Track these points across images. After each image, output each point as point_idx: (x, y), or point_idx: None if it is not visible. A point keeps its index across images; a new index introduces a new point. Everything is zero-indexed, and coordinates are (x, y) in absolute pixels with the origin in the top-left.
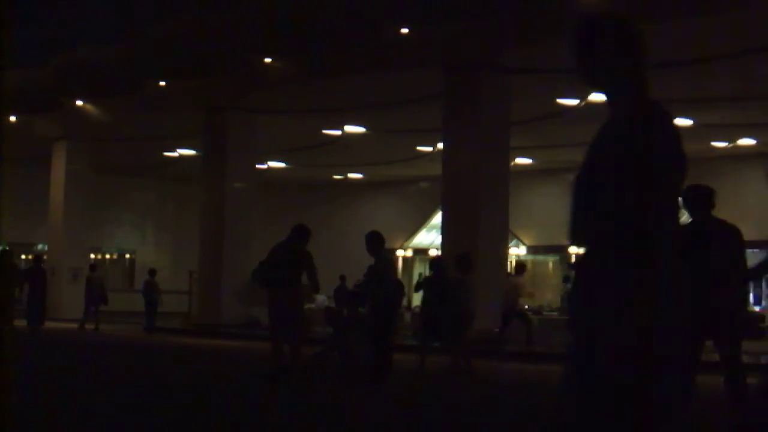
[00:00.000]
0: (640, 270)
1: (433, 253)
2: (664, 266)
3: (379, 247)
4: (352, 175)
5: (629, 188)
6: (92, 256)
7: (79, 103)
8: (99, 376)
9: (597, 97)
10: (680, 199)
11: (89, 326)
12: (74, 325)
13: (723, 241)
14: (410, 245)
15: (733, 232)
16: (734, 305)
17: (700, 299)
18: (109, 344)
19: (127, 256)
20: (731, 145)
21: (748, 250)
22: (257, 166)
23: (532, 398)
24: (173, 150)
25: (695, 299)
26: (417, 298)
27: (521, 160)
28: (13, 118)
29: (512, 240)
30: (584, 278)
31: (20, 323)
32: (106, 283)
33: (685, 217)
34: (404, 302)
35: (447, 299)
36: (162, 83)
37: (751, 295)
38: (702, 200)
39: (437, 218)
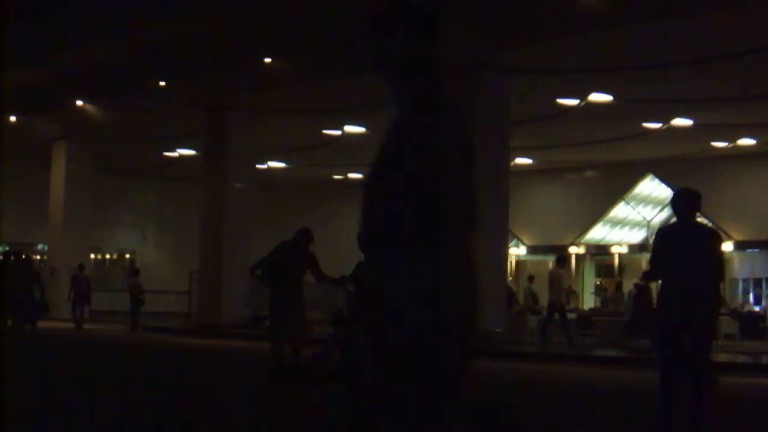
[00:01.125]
0: (431, 259)
1: None
2: (451, 257)
3: None
4: (352, 175)
5: (415, 187)
6: (92, 256)
7: (80, 103)
8: (99, 376)
9: (597, 97)
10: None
11: (80, 325)
12: (73, 325)
13: (701, 243)
14: None
15: (711, 235)
16: (710, 305)
17: (680, 299)
18: (108, 344)
19: (128, 256)
20: (731, 145)
21: (748, 250)
22: (257, 166)
23: (527, 399)
24: (173, 150)
25: (676, 300)
26: None
27: (521, 160)
28: (13, 119)
29: (512, 240)
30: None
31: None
32: (92, 283)
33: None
34: None
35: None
36: (162, 83)
37: (751, 295)
38: (688, 203)
39: None
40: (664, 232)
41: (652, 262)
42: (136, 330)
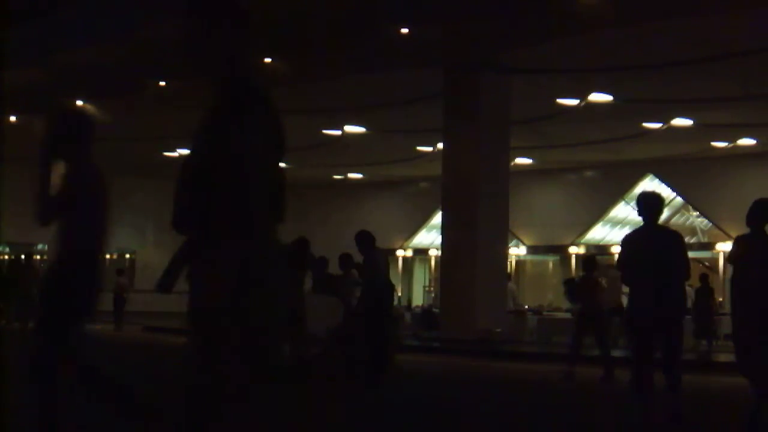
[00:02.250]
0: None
1: (433, 253)
2: (255, 248)
3: (367, 246)
4: (352, 175)
5: (216, 178)
6: None
7: (79, 103)
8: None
9: (597, 97)
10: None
11: None
12: None
13: (665, 246)
14: (410, 245)
15: (675, 237)
16: (678, 305)
17: (650, 300)
18: (107, 343)
19: (128, 256)
20: (731, 145)
21: None
22: None
23: (528, 398)
24: (173, 150)
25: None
26: (417, 298)
27: (521, 160)
28: (13, 118)
29: (512, 240)
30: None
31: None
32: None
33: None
34: (396, 302)
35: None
36: (162, 83)
37: None
38: (650, 207)
39: (437, 218)
40: (630, 237)
41: (620, 266)
42: (120, 329)
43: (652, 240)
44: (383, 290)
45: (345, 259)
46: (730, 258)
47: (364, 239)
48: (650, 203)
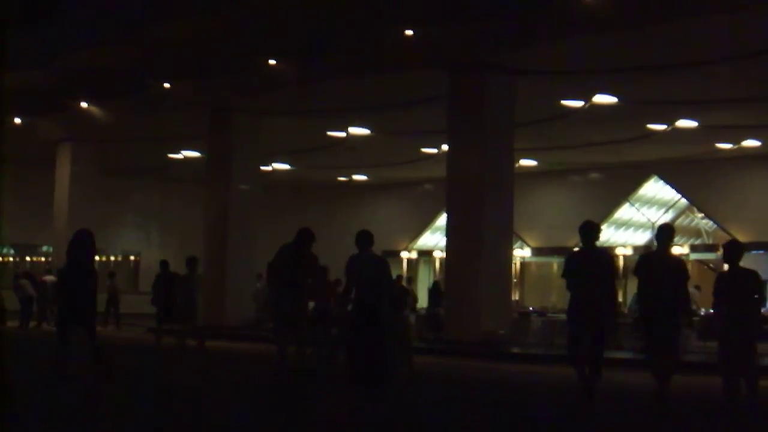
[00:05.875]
0: None
1: (438, 254)
2: None
3: (359, 246)
4: (356, 177)
5: None
6: (96, 258)
7: (84, 104)
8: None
9: (601, 98)
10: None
11: (33, 324)
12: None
13: (598, 267)
14: (414, 247)
15: (607, 260)
16: (605, 310)
17: (583, 309)
18: (110, 344)
19: (132, 257)
20: (736, 146)
21: (752, 252)
22: (262, 167)
23: (528, 398)
24: (178, 152)
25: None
26: (422, 300)
27: (525, 162)
28: (17, 120)
29: (516, 241)
30: None
31: None
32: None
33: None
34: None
35: (178, 292)
36: (166, 85)
37: None
38: (589, 235)
39: (442, 220)
40: (573, 256)
41: (565, 277)
42: (118, 328)
43: (589, 261)
44: (367, 292)
45: (190, 261)
46: (635, 270)
47: (359, 239)
48: (590, 230)
